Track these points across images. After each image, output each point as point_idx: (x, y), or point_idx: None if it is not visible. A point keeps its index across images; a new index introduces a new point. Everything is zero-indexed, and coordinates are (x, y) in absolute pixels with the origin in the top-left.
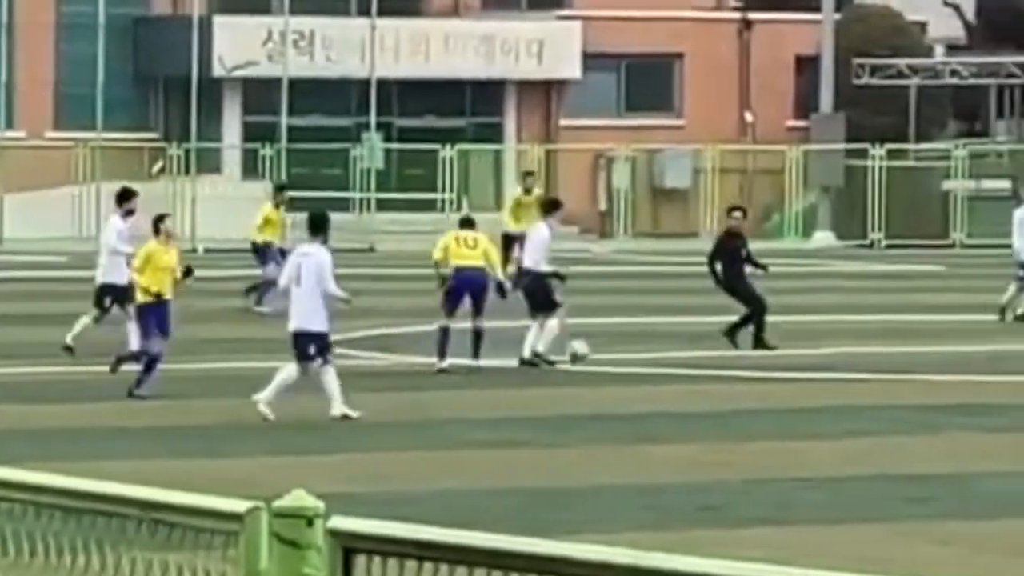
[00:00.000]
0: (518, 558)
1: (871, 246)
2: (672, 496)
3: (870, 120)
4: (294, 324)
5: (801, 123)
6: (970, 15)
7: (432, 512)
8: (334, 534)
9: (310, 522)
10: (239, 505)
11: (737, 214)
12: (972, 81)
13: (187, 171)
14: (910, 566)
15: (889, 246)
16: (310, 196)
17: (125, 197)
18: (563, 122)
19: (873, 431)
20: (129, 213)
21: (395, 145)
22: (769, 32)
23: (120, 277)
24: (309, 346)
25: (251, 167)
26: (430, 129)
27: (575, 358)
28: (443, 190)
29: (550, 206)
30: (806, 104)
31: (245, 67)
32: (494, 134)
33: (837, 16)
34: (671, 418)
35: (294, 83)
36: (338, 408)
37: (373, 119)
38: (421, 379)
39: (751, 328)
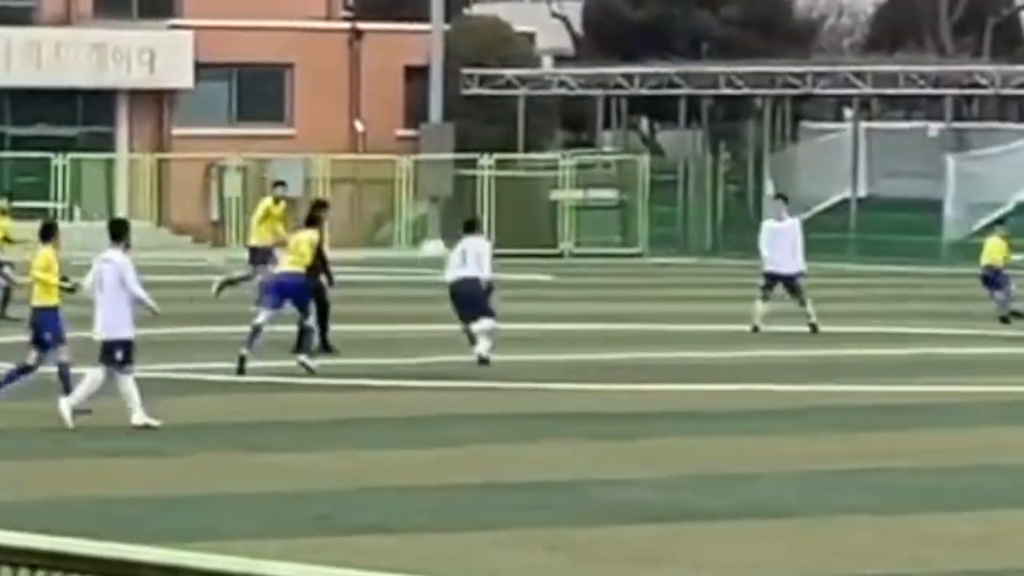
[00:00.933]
0: (128, 566)
1: None
2: (286, 504)
3: (479, 130)
4: (102, 332)
5: (411, 132)
6: (577, 27)
7: (56, 521)
8: None
9: None
10: None
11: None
12: (579, 92)
13: None
14: (516, 574)
15: (499, 255)
16: None
17: None
18: (175, 131)
19: (481, 438)
20: None
21: (7, 154)
22: (379, 42)
23: None
24: (116, 352)
25: None
26: (42, 138)
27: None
28: (56, 199)
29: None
30: (416, 114)
31: None
32: (106, 143)
33: (446, 27)
34: (286, 427)
35: None
36: (139, 417)
37: None
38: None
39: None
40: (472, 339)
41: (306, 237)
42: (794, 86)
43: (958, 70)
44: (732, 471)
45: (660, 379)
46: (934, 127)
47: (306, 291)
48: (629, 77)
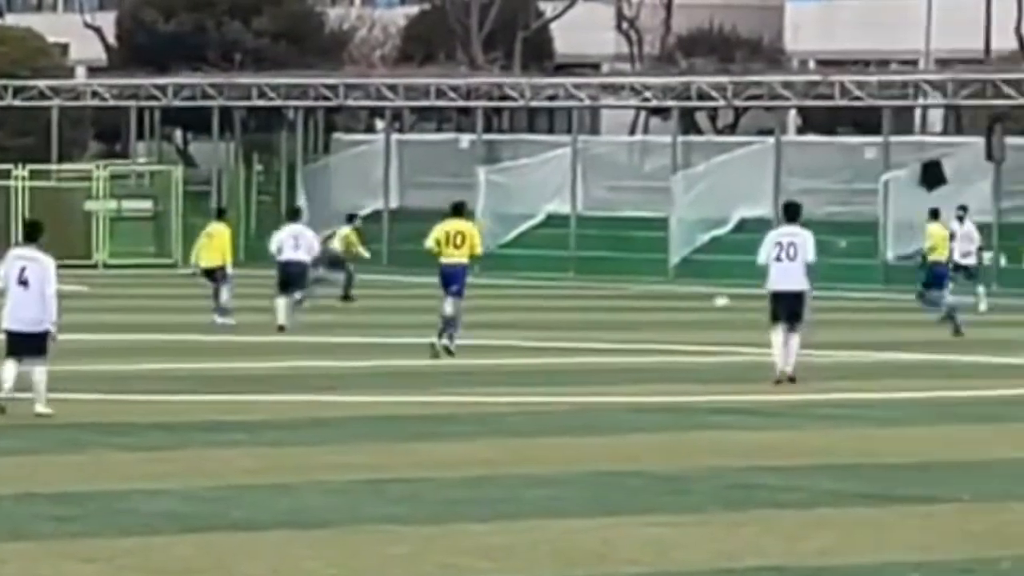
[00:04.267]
0: None
1: None
2: None
3: (13, 141)
4: (18, 325)
5: None
6: (111, 38)
7: None
8: None
9: None
10: None
11: None
12: (113, 103)
13: None
14: None
15: None
16: None
17: None
18: None
19: (11, 450)
20: None
21: None
22: None
23: None
24: (33, 345)
25: None
26: None
27: None
28: None
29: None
30: None
31: None
32: None
33: None
34: None
35: None
36: (42, 407)
37: None
38: None
39: None
40: None
41: None
42: (326, 98)
43: (488, 82)
44: (264, 482)
45: (193, 390)
46: (465, 139)
47: None
48: (162, 88)
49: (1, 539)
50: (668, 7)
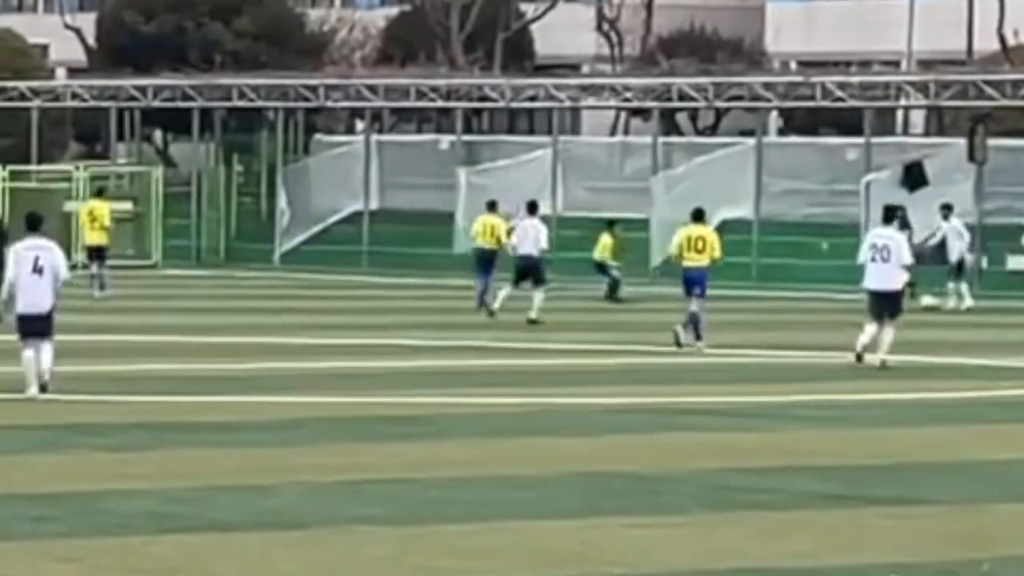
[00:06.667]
0: None
1: None
2: None
3: None
4: (34, 310)
5: None
6: (91, 39)
7: None
8: None
9: None
10: None
11: None
12: (93, 104)
13: None
14: None
15: None
16: None
17: None
18: None
19: (2, 450)
20: None
21: None
22: None
23: None
24: (45, 326)
25: None
26: None
27: None
28: None
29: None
30: None
31: None
32: None
33: None
34: None
35: None
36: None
37: None
38: None
39: None
40: None
41: None
42: (307, 99)
43: (468, 83)
44: (242, 483)
45: (171, 390)
46: (445, 140)
47: None
48: (142, 89)
49: None
50: (649, 8)
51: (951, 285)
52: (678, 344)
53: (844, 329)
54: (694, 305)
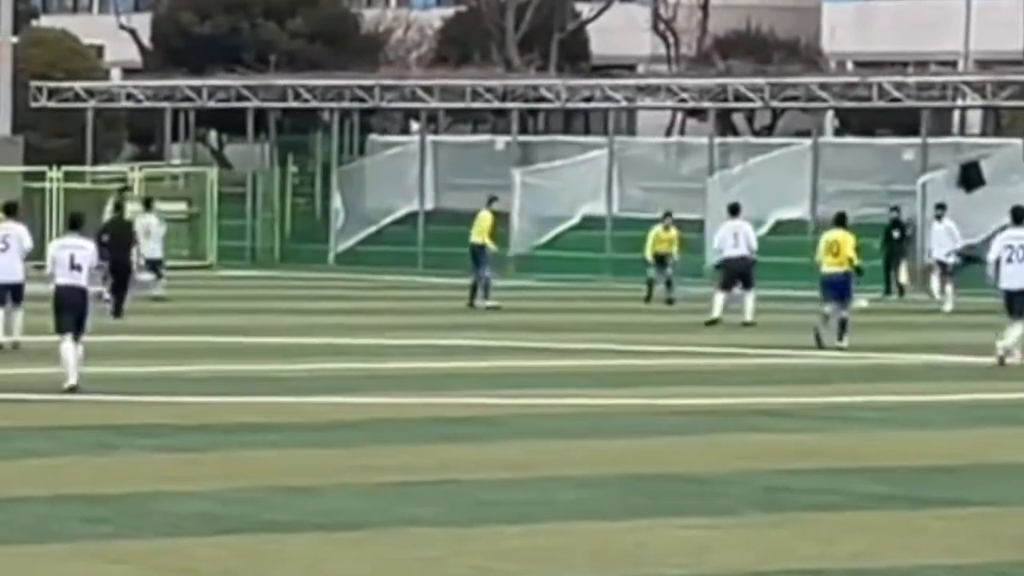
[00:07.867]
0: None
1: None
2: None
3: (47, 142)
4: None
5: None
6: (146, 40)
7: None
8: None
9: None
10: None
11: None
12: (148, 104)
13: None
14: None
15: None
16: None
17: None
18: None
19: (45, 451)
20: None
21: None
22: None
23: None
24: (81, 316)
25: None
26: None
27: None
28: None
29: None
30: None
31: None
32: None
33: (14, 39)
34: None
35: None
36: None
37: None
38: None
39: None
40: None
41: None
42: (362, 99)
43: (524, 84)
44: (294, 484)
45: (225, 392)
46: (501, 140)
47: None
48: (197, 90)
49: (32, 540)
50: (704, 8)
51: (935, 286)
52: (819, 345)
53: (891, 331)
54: (828, 308)
